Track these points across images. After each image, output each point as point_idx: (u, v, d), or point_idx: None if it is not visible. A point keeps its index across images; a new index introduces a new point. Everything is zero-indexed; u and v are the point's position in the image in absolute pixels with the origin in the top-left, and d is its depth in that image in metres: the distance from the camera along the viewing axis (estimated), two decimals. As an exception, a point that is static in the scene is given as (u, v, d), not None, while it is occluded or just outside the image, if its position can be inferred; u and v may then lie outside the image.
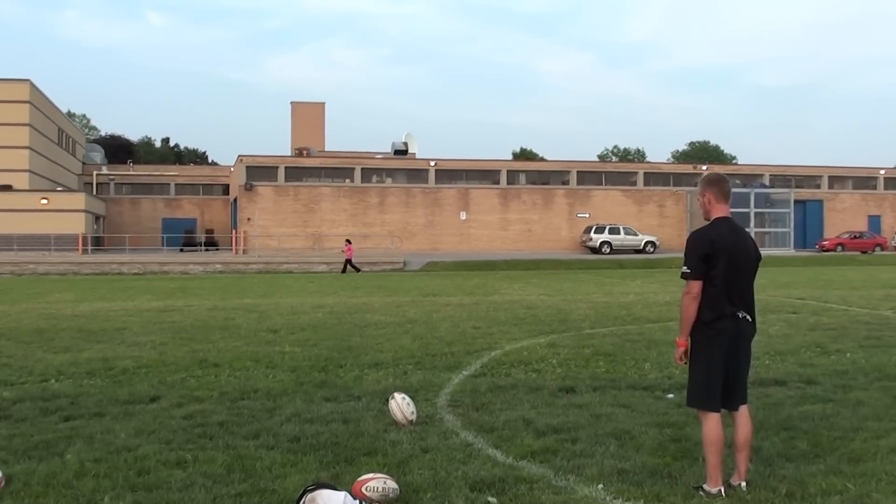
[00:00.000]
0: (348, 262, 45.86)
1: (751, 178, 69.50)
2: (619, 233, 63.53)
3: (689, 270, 6.16)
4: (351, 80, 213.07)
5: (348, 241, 48.33)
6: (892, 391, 9.87)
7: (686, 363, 6.35)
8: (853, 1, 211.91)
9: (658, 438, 7.74)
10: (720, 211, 6.36)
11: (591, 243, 62.82)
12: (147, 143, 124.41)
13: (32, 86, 68.89)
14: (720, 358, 6.14)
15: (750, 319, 6.28)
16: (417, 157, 73.26)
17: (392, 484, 6.10)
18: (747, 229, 6.62)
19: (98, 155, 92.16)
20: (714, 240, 6.15)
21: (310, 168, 67.33)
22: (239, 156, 65.82)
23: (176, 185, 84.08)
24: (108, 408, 9.32)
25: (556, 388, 10.25)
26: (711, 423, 6.14)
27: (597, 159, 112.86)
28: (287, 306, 22.67)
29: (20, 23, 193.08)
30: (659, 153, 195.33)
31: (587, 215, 67.45)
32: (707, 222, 6.44)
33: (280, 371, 11.73)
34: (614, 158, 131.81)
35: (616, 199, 69.20)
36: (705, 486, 6.12)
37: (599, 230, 63.41)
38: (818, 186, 74.16)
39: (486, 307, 21.89)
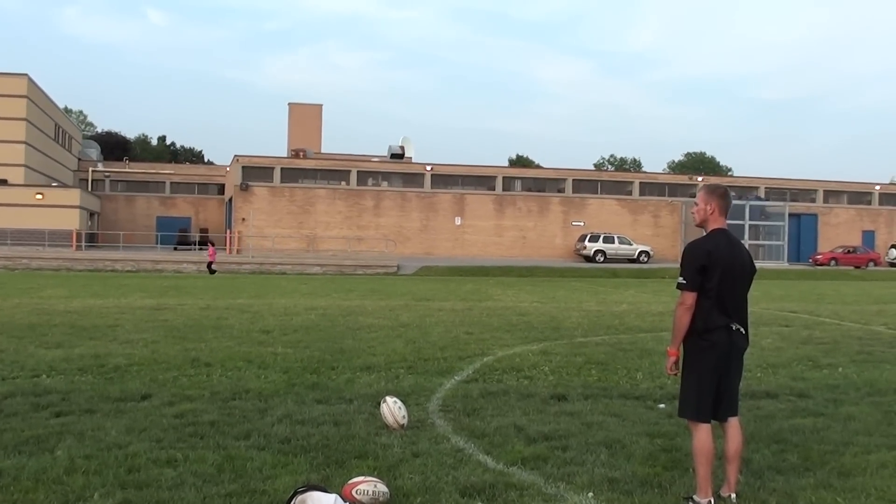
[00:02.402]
0: (209, 264, 46.14)
1: (746, 191, 69.66)
2: (613, 242, 63.58)
3: (684, 281, 6.16)
4: (349, 83, 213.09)
5: (212, 244, 48.59)
6: (883, 406, 9.88)
7: (676, 373, 6.36)
8: (851, 16, 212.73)
9: (649, 448, 7.75)
10: (719, 223, 6.35)
11: (585, 251, 62.88)
12: (143, 141, 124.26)
13: (30, 80, 68.72)
14: (712, 369, 6.14)
15: (743, 332, 6.28)
16: (414, 161, 73.26)
17: (382, 487, 6.10)
18: (742, 242, 6.61)
19: (94, 151, 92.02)
20: (711, 251, 6.15)
21: (306, 169, 67.28)
22: (235, 156, 65.83)
23: (171, 183, 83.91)
24: (100, 405, 9.30)
25: (548, 396, 10.25)
26: (702, 434, 6.15)
27: (593, 168, 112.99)
28: (280, 307, 22.66)
29: (20, 17, 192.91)
30: (655, 163, 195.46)
31: (582, 224, 67.52)
32: (698, 228, 6.45)
33: (272, 372, 11.73)
34: (610, 167, 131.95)
35: (611, 208, 69.26)
36: (695, 497, 6.12)
37: (594, 239, 63.47)
38: (813, 200, 74.33)
39: (479, 313, 21.89)
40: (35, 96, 70.39)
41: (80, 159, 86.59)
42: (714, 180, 71.93)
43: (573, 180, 70.07)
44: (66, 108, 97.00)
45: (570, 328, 18.40)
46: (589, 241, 63.33)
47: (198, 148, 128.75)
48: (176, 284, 34.06)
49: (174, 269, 49.03)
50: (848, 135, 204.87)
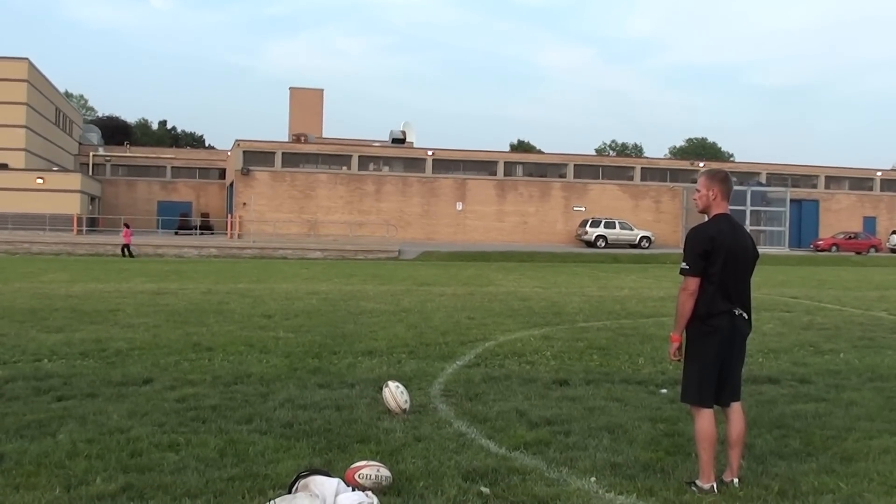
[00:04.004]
0: (125, 246, 45.83)
1: (748, 177, 69.50)
2: (614, 227, 63.54)
3: (687, 266, 6.14)
4: (351, 68, 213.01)
5: (127, 226, 48.12)
6: (885, 392, 9.89)
7: (680, 359, 6.34)
8: (856, 3, 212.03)
9: (651, 433, 7.75)
10: (722, 208, 6.34)
11: (586, 237, 62.82)
12: (144, 125, 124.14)
13: (31, 65, 68.64)
14: (715, 354, 6.13)
15: (746, 317, 6.27)
16: (415, 146, 73.20)
17: (385, 472, 6.09)
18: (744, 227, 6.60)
19: (95, 136, 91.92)
20: (714, 236, 6.13)
21: (307, 154, 67.21)
22: (236, 140, 65.71)
23: (172, 167, 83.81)
24: (101, 389, 9.31)
25: (550, 381, 10.26)
26: (704, 420, 6.15)
27: (594, 153, 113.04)
28: (281, 292, 22.66)
29: (21, 1, 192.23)
30: (656, 149, 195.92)
31: (583, 209, 67.42)
32: (701, 214, 6.43)
33: (274, 356, 11.73)
34: (612, 153, 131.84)
35: (612, 193, 69.17)
36: (698, 482, 6.12)
37: (595, 224, 63.40)
38: (814, 186, 74.25)
39: (481, 298, 21.89)
40: (36, 80, 70.31)
41: (80, 144, 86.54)
42: (715, 166, 71.79)
43: (574, 165, 69.99)
44: (66, 93, 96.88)
45: (572, 313, 18.39)
46: (590, 226, 63.26)
47: (199, 132, 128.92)
48: (177, 269, 34.04)
49: (175, 253, 48.96)
50: (851, 121, 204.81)
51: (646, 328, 15.80)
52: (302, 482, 5.74)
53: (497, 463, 6.69)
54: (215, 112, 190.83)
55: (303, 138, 70.92)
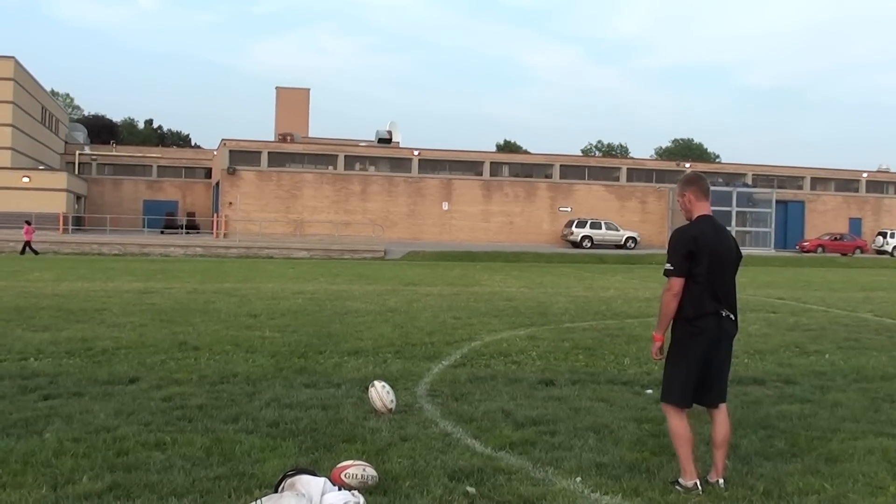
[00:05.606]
0: (27, 244, 45.17)
1: (734, 177, 69.72)
2: (600, 227, 63.66)
3: (671, 267, 6.16)
4: (337, 68, 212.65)
5: (28, 223, 47.58)
6: (870, 393, 9.93)
7: (661, 358, 6.37)
8: (841, 5, 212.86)
9: (636, 433, 7.77)
10: (702, 209, 6.37)
11: (572, 237, 62.91)
12: (130, 124, 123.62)
13: (17, 63, 68.35)
14: (701, 356, 6.15)
15: (732, 318, 6.29)
16: (401, 146, 73.11)
17: (371, 471, 6.10)
18: (729, 228, 6.64)
19: (81, 134, 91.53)
20: (697, 237, 6.16)
21: (293, 154, 67.15)
22: (222, 140, 65.55)
23: (158, 167, 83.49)
24: (88, 388, 9.29)
25: (536, 381, 10.27)
26: (677, 418, 6.20)
27: (580, 154, 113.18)
28: (267, 291, 22.64)
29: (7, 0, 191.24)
30: (642, 149, 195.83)
31: (569, 209, 67.50)
32: (689, 221, 6.46)
33: (260, 356, 11.72)
34: (598, 153, 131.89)
35: (598, 193, 69.25)
36: (680, 480, 6.14)
37: (581, 224, 63.51)
38: (800, 187, 74.42)
39: (467, 298, 21.90)
40: (22, 79, 70.01)
41: (66, 142, 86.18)
42: (700, 167, 71.98)
43: (560, 166, 70.06)
44: (52, 91, 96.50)
45: (558, 313, 18.42)
46: (576, 226, 63.37)
47: (185, 132, 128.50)
48: (163, 268, 33.98)
49: (161, 252, 48.89)
50: (836, 123, 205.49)
51: (631, 329, 15.83)
52: (288, 481, 5.74)
53: (483, 463, 6.70)
54: (202, 111, 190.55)
55: (289, 138, 70.81)
